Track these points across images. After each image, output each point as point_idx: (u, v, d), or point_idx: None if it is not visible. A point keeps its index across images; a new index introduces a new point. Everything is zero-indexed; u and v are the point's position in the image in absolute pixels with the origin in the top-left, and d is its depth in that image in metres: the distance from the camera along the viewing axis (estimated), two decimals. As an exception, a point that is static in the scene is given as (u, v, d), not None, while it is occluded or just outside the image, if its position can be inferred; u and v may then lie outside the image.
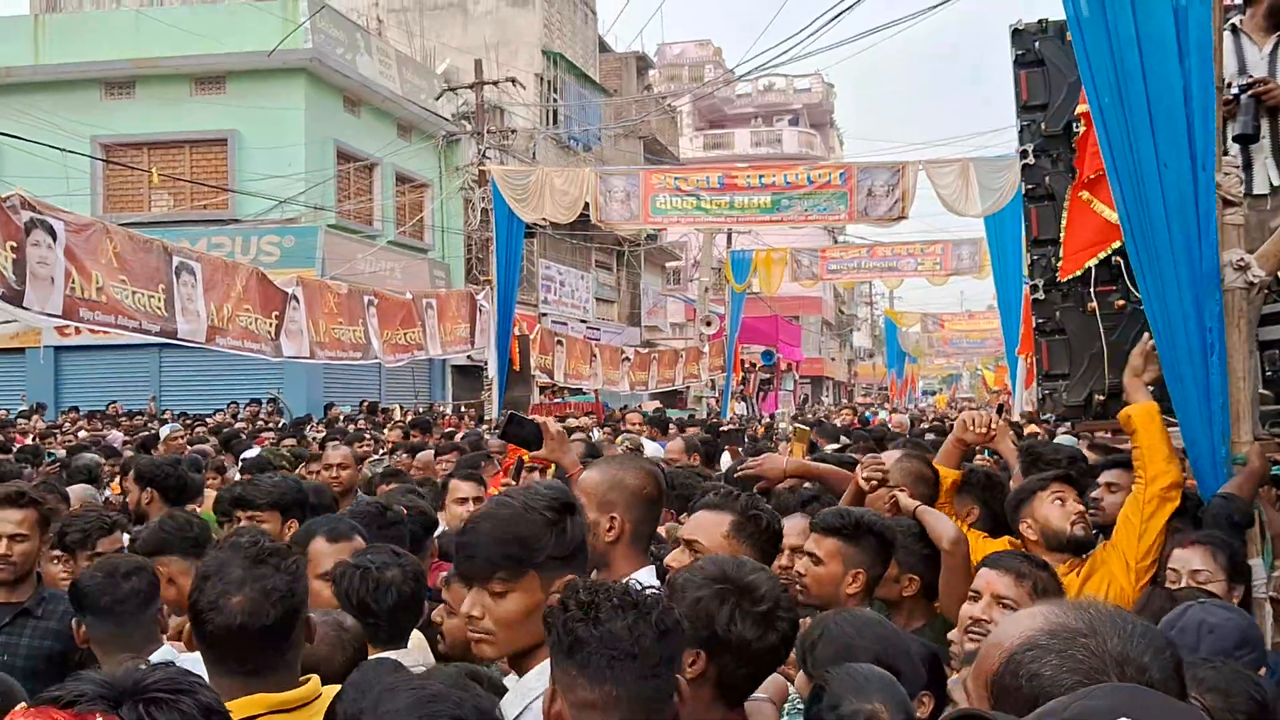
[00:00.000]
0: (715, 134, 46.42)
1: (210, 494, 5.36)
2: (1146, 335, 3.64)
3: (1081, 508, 3.52)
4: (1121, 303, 4.66)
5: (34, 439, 12.60)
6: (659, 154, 31.65)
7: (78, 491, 5.63)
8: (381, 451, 9.95)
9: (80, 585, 2.87)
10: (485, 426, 13.74)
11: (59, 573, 3.70)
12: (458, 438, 9.98)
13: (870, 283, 45.16)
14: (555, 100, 26.56)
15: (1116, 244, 4.35)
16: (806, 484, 4.19)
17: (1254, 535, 3.33)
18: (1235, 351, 3.34)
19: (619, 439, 9.34)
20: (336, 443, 6.36)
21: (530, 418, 3.55)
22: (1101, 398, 4.66)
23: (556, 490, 2.19)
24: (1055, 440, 6.38)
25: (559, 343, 19.19)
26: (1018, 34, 5.22)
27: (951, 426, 4.68)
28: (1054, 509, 3.41)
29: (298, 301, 12.52)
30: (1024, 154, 5.13)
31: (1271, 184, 4.06)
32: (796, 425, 7.96)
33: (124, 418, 15.88)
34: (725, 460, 7.55)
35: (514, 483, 4.09)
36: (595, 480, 2.61)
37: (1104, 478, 4.05)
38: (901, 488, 3.52)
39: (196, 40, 19.00)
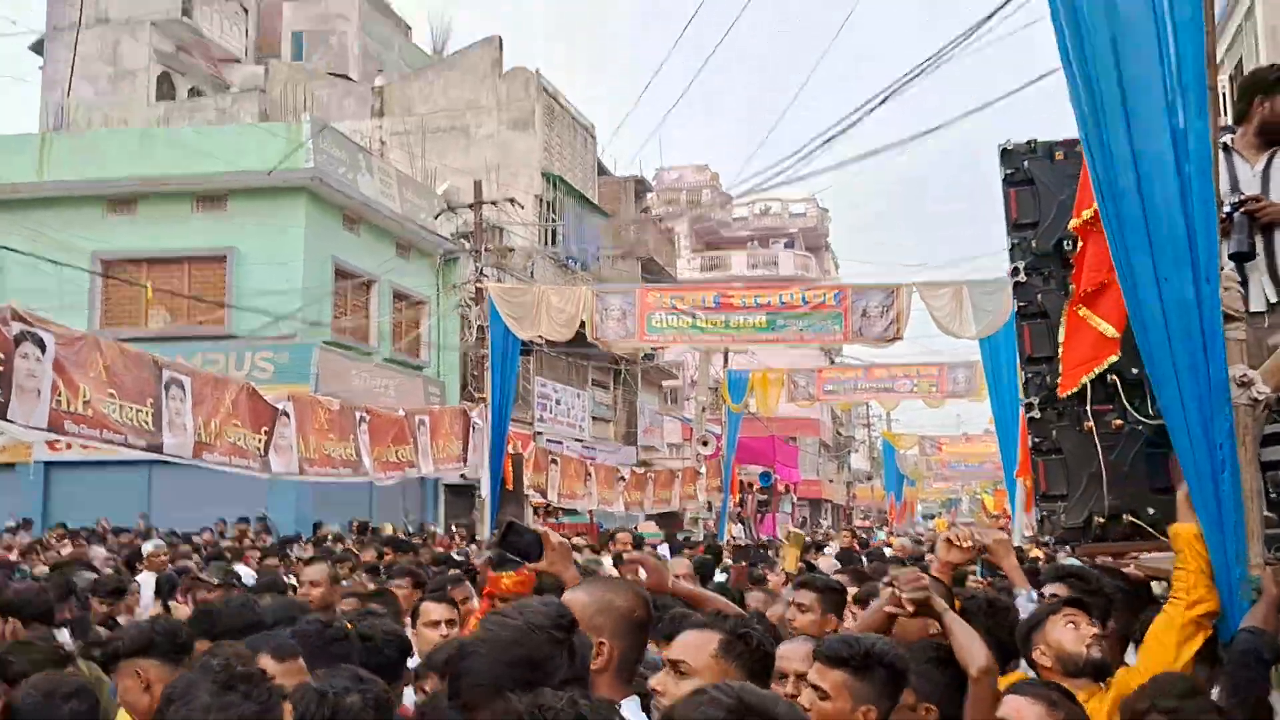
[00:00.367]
0: (712, 256, 47.00)
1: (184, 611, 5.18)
2: None
3: (1096, 630, 3.36)
4: (1119, 422, 4.57)
5: (17, 555, 12.36)
6: (657, 275, 31.94)
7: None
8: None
9: (16, 706, 2.68)
10: (475, 547, 13.49)
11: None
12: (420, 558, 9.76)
13: (867, 405, 45.11)
14: (554, 221, 26.89)
15: (1112, 358, 4.28)
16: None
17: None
18: (1244, 470, 3.23)
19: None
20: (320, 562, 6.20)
21: (531, 526, 3.38)
22: (1101, 519, 4.52)
23: (555, 607, 2.04)
24: (1056, 564, 6.18)
25: (553, 461, 19.02)
26: (1007, 154, 5.23)
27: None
28: (1068, 633, 3.27)
29: (288, 417, 12.38)
30: (1015, 272, 5.09)
31: (1268, 301, 4.01)
32: (791, 531, 7.81)
33: (111, 535, 15.62)
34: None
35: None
36: (583, 602, 2.46)
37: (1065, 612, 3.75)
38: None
39: (200, 159, 19.30)
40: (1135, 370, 4.20)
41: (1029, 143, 5.23)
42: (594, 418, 29.93)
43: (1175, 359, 3.27)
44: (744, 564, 10.29)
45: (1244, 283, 3.98)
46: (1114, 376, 4.42)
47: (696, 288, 18.56)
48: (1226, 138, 4.37)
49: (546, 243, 26.77)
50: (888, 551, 14.12)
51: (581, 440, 28.08)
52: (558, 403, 27.48)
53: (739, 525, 25.55)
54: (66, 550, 13.15)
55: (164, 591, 8.49)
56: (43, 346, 8.93)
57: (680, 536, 19.93)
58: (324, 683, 2.48)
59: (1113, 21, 3.37)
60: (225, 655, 2.38)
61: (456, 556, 10.99)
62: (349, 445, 13.71)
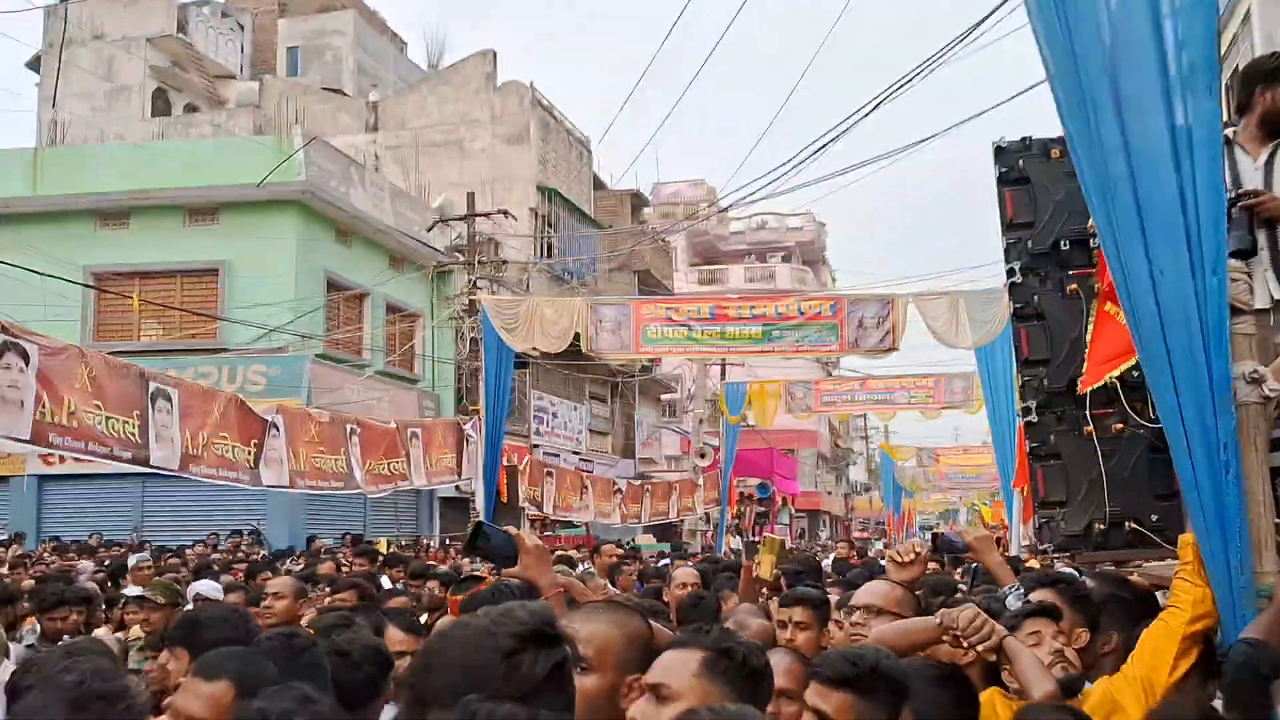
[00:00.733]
0: (709, 270, 46.92)
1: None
2: None
3: (1059, 645, 3.15)
4: (1120, 426, 4.43)
5: (6, 569, 12.22)
6: (653, 288, 31.84)
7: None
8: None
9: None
10: (468, 562, 13.30)
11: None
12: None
13: (864, 416, 44.99)
14: (549, 234, 26.80)
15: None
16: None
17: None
18: (1253, 473, 3.05)
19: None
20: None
21: (502, 528, 3.07)
22: (1102, 526, 4.37)
23: (537, 614, 1.76)
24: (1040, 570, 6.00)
25: (549, 474, 18.87)
26: (1001, 151, 5.08)
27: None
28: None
29: (278, 430, 12.24)
30: (1011, 272, 4.94)
31: (1273, 298, 3.85)
32: (766, 536, 7.62)
33: (102, 548, 15.49)
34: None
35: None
36: (605, 633, 2.21)
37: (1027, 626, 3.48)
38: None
39: (192, 173, 19.23)
40: (1136, 373, 4.07)
41: (1023, 140, 5.09)
42: (591, 431, 29.78)
43: (1171, 355, 3.10)
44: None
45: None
46: (1115, 379, 4.29)
47: (692, 299, 18.47)
48: (1228, 130, 4.24)
49: (542, 255, 26.66)
50: (884, 563, 13.94)
51: (579, 453, 27.93)
52: (554, 416, 27.34)
53: (737, 537, 25.38)
54: (56, 564, 13.03)
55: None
56: (26, 358, 8.80)
57: (675, 548, 19.76)
58: (268, 702, 2.29)
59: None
60: (82, 670, 2.17)
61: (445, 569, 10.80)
62: (340, 458, 13.57)
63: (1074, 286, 4.79)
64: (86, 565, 12.81)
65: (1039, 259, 4.84)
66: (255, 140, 18.96)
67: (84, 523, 18.06)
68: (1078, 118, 3.32)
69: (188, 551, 14.66)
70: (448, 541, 18.57)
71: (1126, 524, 4.31)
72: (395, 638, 4.11)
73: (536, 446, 24.32)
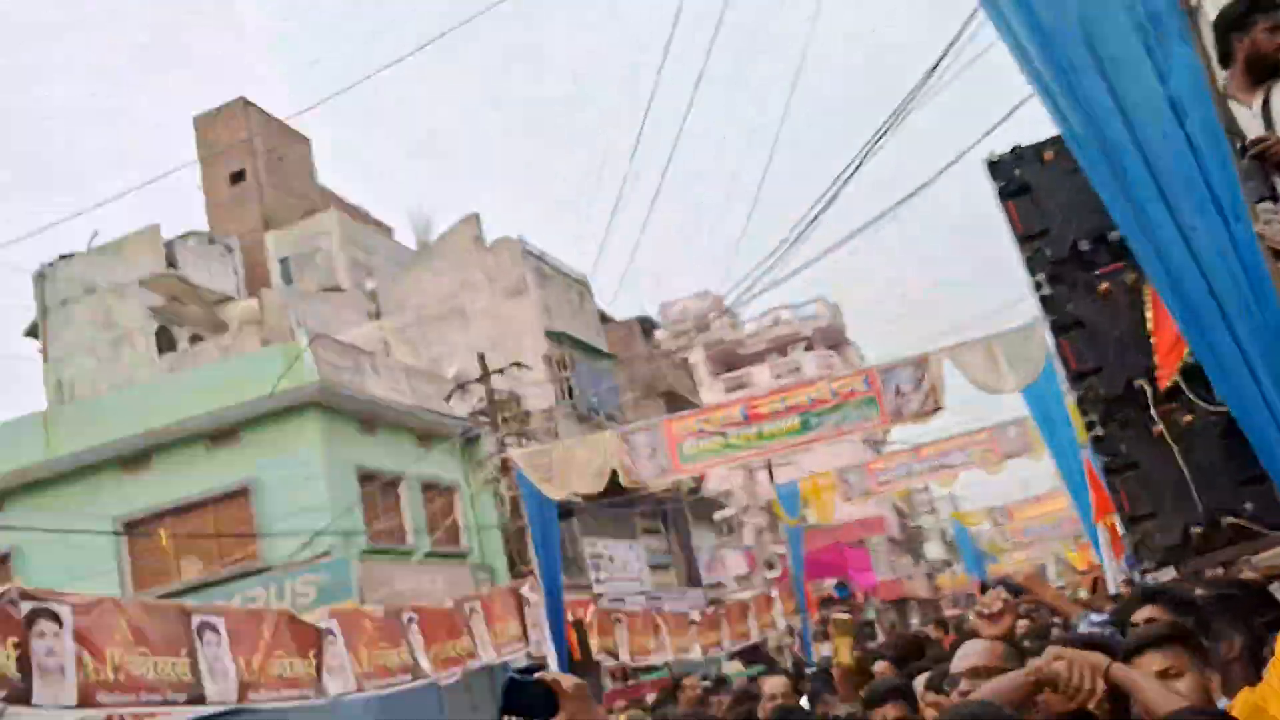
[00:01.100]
0: (734, 376, 46.73)
1: None
2: None
3: (1195, 677, 2.80)
4: (1189, 418, 4.10)
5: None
6: (681, 408, 31.50)
7: None
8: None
9: None
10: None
11: None
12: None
13: (926, 488, 44.09)
14: (566, 377, 26.67)
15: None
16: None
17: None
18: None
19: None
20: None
21: (532, 677, 2.81)
22: (1198, 529, 4.01)
23: None
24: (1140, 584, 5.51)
25: (617, 620, 18.23)
26: (994, 165, 4.89)
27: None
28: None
29: (334, 635, 11.81)
30: (1038, 285, 4.67)
31: (1302, 239, 3.53)
32: (835, 618, 7.11)
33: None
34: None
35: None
36: None
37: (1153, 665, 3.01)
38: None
39: (205, 399, 19.24)
40: (1193, 357, 3.76)
41: (1013, 150, 4.90)
42: (651, 567, 29.11)
43: (1224, 308, 2.78)
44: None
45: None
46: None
47: (721, 406, 18.08)
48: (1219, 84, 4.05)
49: (563, 398, 26.48)
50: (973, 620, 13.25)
51: (645, 592, 27.23)
52: (611, 560, 26.75)
53: (827, 643, 24.42)
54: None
55: None
56: (59, 620, 8.49)
57: (767, 667, 18.96)
58: None
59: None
60: None
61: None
62: (402, 650, 13.08)
63: (1105, 286, 4.57)
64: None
65: (1062, 266, 4.62)
66: (262, 353, 19.04)
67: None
68: (1064, 92, 3.10)
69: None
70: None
71: (1222, 520, 3.98)
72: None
73: (600, 595, 23.69)
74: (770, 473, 25.18)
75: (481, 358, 20.77)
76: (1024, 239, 4.73)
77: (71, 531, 14.23)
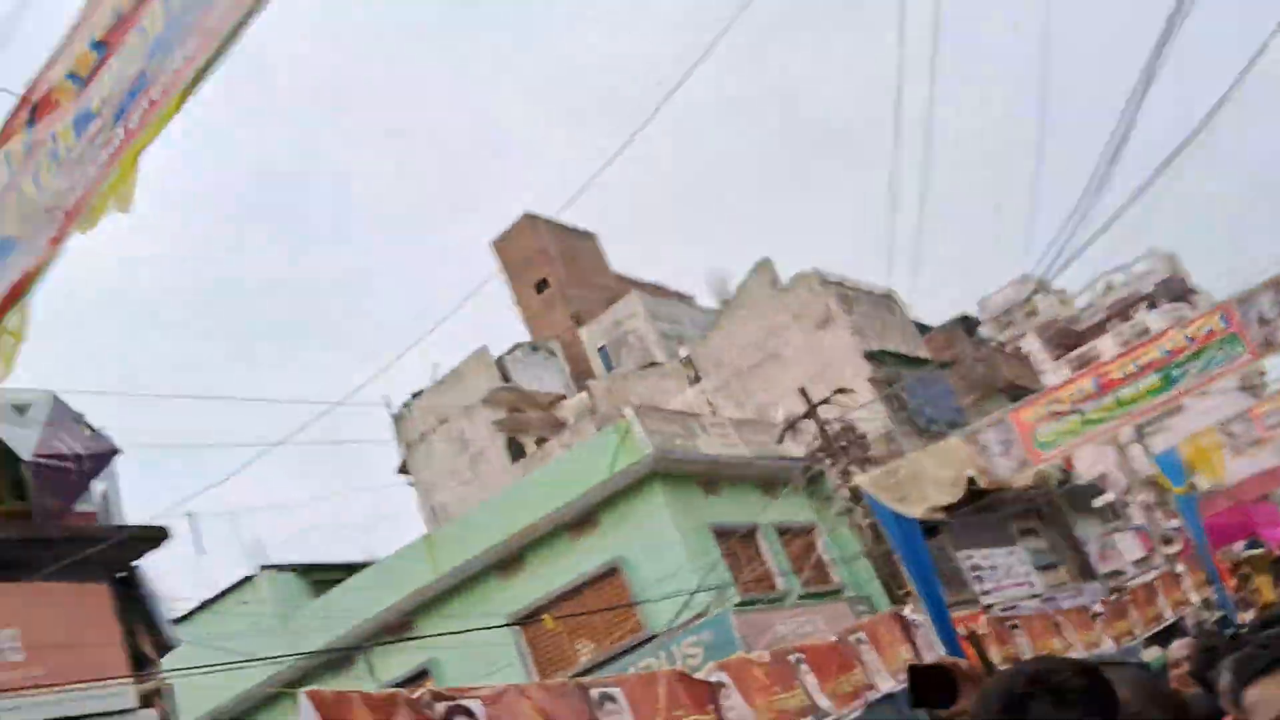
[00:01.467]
0: (1078, 355, 43.79)
1: None
2: None
3: None
4: None
5: None
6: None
7: None
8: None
9: None
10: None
11: None
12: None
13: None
14: (897, 394, 25.94)
15: None
16: None
17: None
18: None
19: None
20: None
21: (932, 664, 2.68)
22: None
23: None
24: None
25: (1013, 627, 17.25)
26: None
27: None
28: None
29: (727, 687, 11.83)
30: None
31: None
32: (1251, 555, 6.29)
33: None
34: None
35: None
36: None
37: None
38: None
39: (557, 494, 20.24)
40: None
41: None
42: (1039, 568, 27.46)
43: None
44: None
45: None
46: None
47: (1068, 383, 16.88)
48: None
49: (897, 417, 25.75)
50: None
51: (1037, 595, 25.71)
52: (993, 569, 25.47)
53: (1250, 609, 22.04)
54: None
55: None
56: (472, 715, 8.95)
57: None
58: None
59: None
60: None
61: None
62: (797, 692, 12.90)
63: None
64: None
65: None
66: (597, 438, 19.80)
67: None
68: None
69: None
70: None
71: None
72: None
73: (989, 607, 22.55)
74: (1144, 444, 23.24)
75: (803, 391, 20.58)
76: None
77: (468, 630, 15.15)
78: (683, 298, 38.57)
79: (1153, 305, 44.74)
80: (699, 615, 18.68)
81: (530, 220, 37.50)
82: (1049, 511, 28.91)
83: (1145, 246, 45.46)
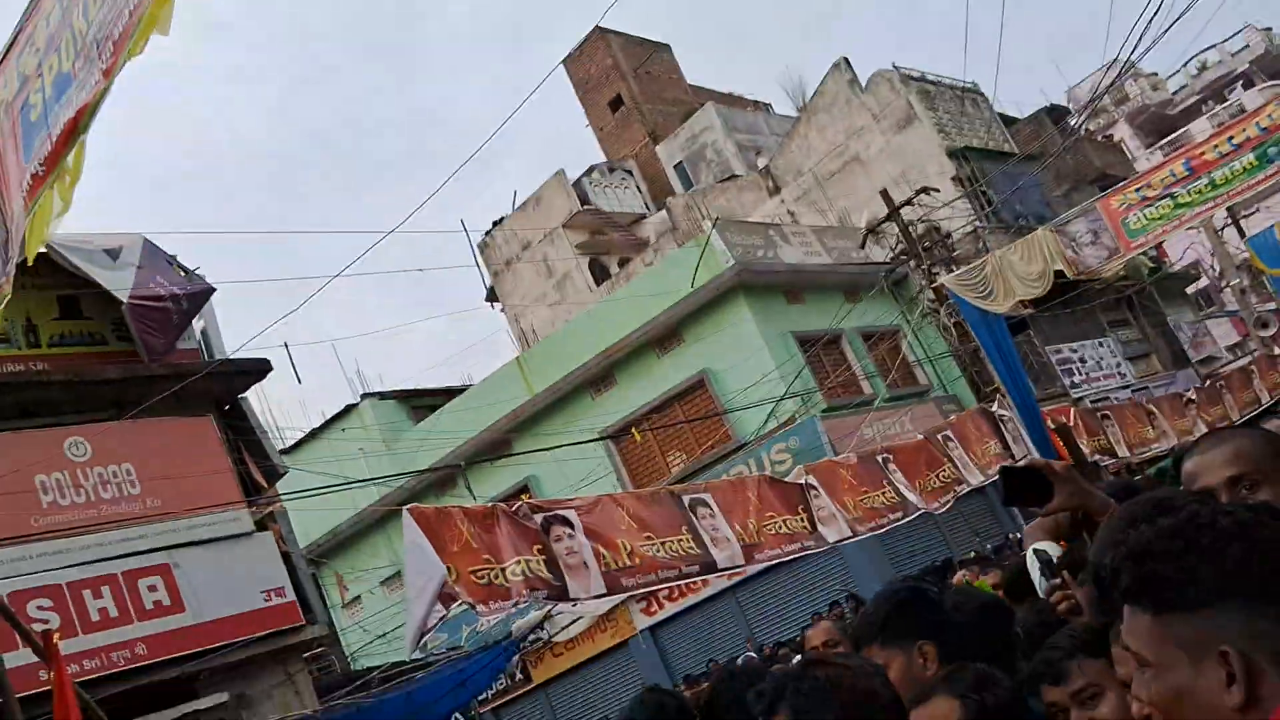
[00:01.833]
0: (1171, 140, 42.00)
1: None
2: None
3: None
4: None
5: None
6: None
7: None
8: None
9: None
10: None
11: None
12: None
13: None
14: (982, 190, 25.29)
15: None
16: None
17: None
18: None
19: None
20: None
21: (1023, 465, 2.75)
22: None
23: None
24: None
25: (1104, 417, 17.20)
26: None
27: None
28: None
29: (816, 489, 12.11)
30: None
31: None
32: None
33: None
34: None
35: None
36: None
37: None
38: None
39: (642, 311, 20.40)
40: None
41: None
42: (1129, 359, 27.15)
43: None
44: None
45: None
46: None
47: (1158, 167, 16.34)
48: None
49: (983, 214, 25.18)
50: None
51: (1129, 385, 25.51)
52: (1083, 361, 25.26)
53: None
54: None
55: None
56: (569, 524, 9.33)
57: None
58: None
59: None
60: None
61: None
62: (886, 491, 13.15)
63: None
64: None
65: None
66: (678, 254, 19.78)
67: (701, 653, 18.96)
68: None
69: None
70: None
71: None
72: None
73: (1080, 399, 22.48)
74: (1238, 228, 22.47)
75: (884, 194, 20.20)
76: None
77: (563, 445, 15.65)
78: (760, 106, 37.62)
79: (1249, 84, 42.30)
80: (786, 423, 18.98)
81: (600, 35, 36.57)
82: (1139, 301, 28.34)
83: (1241, 21, 42.82)
